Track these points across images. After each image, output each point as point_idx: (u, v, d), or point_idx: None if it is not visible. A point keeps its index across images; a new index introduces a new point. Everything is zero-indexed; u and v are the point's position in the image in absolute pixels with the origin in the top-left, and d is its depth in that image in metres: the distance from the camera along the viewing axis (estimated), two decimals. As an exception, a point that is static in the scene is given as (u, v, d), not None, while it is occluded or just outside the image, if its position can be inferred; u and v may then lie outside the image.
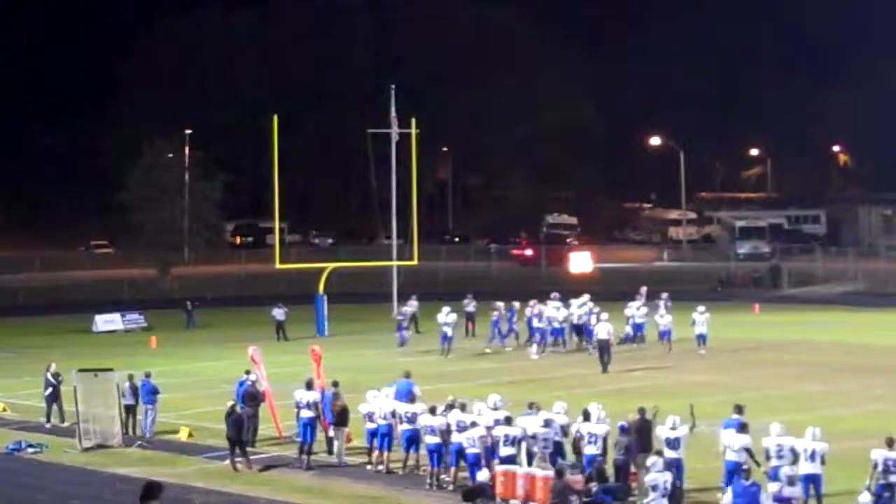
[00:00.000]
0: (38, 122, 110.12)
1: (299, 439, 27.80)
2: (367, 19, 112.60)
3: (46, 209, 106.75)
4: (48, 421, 32.54)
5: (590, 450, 24.27)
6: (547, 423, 24.56)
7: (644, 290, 48.37)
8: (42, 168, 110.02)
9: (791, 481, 20.69)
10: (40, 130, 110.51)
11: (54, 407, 32.83)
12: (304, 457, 27.33)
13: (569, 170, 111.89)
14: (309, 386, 28.42)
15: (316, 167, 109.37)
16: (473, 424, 24.97)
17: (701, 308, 45.18)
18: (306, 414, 27.64)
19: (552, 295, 47.24)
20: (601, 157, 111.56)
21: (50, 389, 32.77)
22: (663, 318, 45.92)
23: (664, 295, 49.34)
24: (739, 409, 24.56)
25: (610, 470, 24.20)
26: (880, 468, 21.79)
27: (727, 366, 41.94)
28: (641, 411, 25.32)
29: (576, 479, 23.37)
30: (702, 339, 44.81)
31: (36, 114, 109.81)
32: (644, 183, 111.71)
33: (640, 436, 24.41)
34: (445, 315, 45.17)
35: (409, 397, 28.21)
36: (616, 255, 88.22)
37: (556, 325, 45.44)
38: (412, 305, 51.47)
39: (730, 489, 20.84)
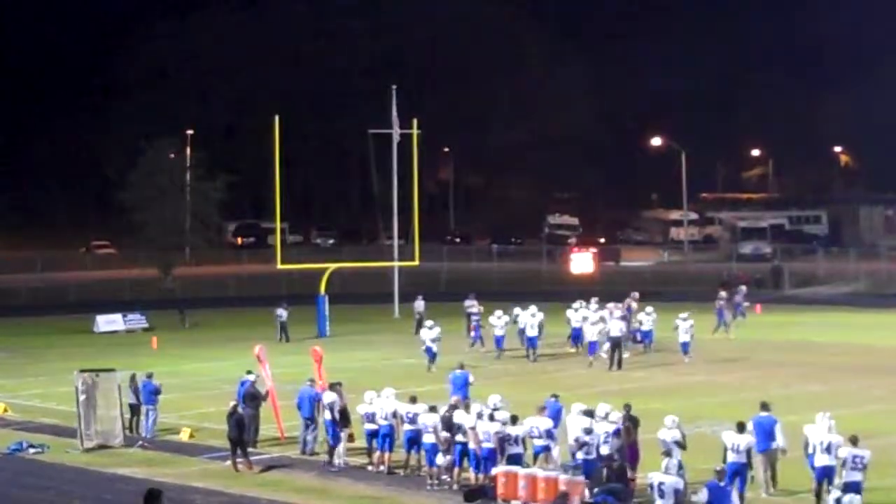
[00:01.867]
0: (38, 123, 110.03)
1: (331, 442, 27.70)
2: (369, 19, 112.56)
3: (48, 210, 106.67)
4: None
5: (603, 450, 24.26)
6: (588, 431, 24.44)
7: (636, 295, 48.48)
8: (43, 168, 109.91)
9: None
10: (41, 131, 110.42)
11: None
12: (335, 459, 27.30)
13: (570, 170, 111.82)
14: (331, 387, 28.38)
15: (317, 167, 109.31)
16: (491, 418, 25.00)
17: (684, 315, 43.40)
18: (327, 416, 27.67)
19: (632, 295, 47.66)
20: (603, 157, 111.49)
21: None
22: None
23: (723, 294, 50.53)
24: (766, 406, 24.68)
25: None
26: (849, 466, 22.07)
27: (729, 366, 41.91)
28: (627, 407, 25.37)
29: (578, 480, 23.39)
30: (685, 347, 42.90)
31: (36, 114, 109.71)
32: (646, 183, 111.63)
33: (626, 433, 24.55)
34: (429, 329, 42.41)
35: (467, 389, 29.84)
36: (617, 256, 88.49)
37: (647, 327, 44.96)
38: (473, 305, 50.44)
39: (705, 488, 20.82)
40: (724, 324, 49.82)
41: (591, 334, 42.92)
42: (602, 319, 43.57)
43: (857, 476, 22.02)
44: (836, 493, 21.46)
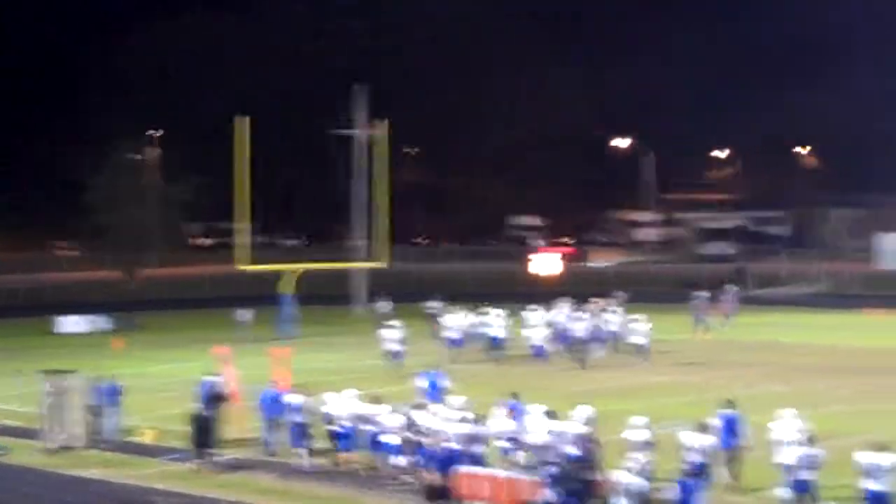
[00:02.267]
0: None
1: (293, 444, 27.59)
2: (339, 21, 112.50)
3: (14, 210, 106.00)
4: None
5: (571, 450, 24.21)
6: (557, 433, 24.22)
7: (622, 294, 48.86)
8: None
9: None
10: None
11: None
12: (297, 460, 27.26)
13: (538, 172, 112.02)
14: (295, 389, 28.25)
15: (286, 169, 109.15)
16: (459, 419, 24.96)
17: (640, 317, 43.47)
18: (290, 417, 27.58)
19: (618, 295, 48.34)
20: (571, 159, 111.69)
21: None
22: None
23: (700, 295, 50.75)
24: (731, 403, 24.95)
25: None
26: (803, 464, 22.26)
27: (693, 366, 42.08)
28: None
29: (539, 480, 23.36)
30: (641, 349, 42.71)
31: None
32: (611, 185, 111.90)
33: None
34: (394, 330, 42.02)
35: (440, 389, 29.88)
36: (583, 257, 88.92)
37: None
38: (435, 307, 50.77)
39: (677, 485, 20.92)
40: (704, 323, 49.99)
41: (537, 337, 42.78)
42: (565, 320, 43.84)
43: (809, 475, 22.12)
44: (785, 490, 21.62)
